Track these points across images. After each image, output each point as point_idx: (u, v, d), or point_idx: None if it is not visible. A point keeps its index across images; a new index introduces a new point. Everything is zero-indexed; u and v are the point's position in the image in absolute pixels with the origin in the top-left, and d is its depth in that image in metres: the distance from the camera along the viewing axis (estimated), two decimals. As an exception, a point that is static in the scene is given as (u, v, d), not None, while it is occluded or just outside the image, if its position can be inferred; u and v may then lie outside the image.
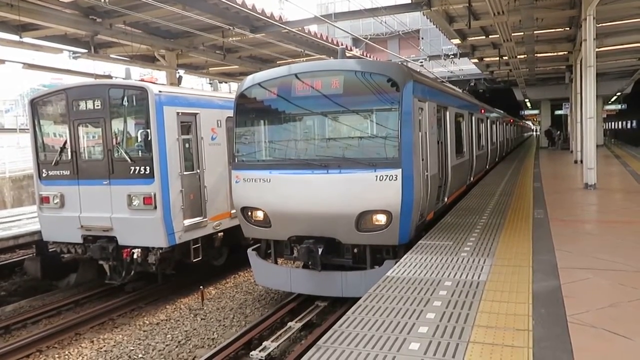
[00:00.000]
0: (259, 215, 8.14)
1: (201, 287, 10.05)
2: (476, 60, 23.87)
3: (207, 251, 10.19)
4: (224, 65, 19.66)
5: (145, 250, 9.11)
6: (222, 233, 10.50)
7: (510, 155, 28.94)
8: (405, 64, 14.95)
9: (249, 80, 8.41)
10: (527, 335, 4.07)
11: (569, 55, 21.88)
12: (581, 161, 15.97)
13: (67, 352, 7.90)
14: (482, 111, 16.99)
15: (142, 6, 11.65)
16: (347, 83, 7.59)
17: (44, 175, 9.92)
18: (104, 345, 8.06)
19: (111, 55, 16.12)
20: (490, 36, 18.27)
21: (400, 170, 7.15)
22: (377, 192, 7.21)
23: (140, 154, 9.12)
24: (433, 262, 6.39)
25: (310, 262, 7.79)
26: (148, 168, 8.93)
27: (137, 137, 9.21)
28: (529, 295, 5.02)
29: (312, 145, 8.04)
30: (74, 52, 14.48)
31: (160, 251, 9.04)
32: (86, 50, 14.37)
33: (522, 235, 7.70)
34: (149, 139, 8.89)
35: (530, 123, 71.54)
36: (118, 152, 9.19)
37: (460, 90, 16.83)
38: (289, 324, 7.93)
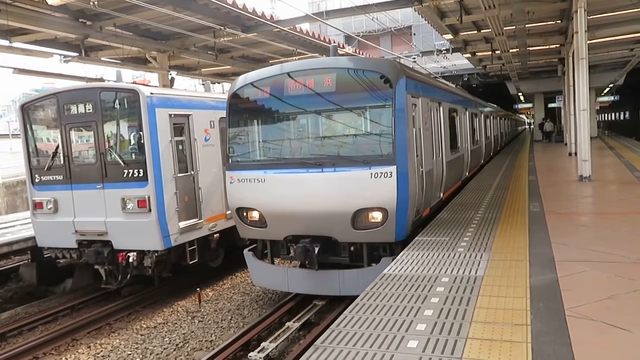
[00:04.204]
0: (255, 215, 8.10)
1: (198, 289, 10.02)
2: (469, 55, 23.85)
3: (203, 253, 10.14)
4: (217, 66, 19.59)
5: (141, 254, 9.05)
6: (217, 234, 10.45)
7: (505, 149, 28.98)
8: (397, 60, 14.92)
9: (241, 80, 8.36)
10: (526, 330, 4.05)
11: (561, 48, 21.91)
12: (575, 153, 16.00)
13: (64, 358, 7.86)
14: (476, 106, 16.99)
15: (132, 8, 11.56)
16: (340, 81, 7.55)
17: (36, 180, 9.84)
18: (101, 351, 8.02)
19: (102, 58, 16.03)
20: (482, 31, 18.27)
21: (395, 167, 7.12)
22: (373, 189, 7.19)
23: (133, 156, 9.06)
24: (430, 258, 6.38)
25: (307, 262, 7.77)
26: (141, 171, 8.87)
27: (129, 140, 9.15)
28: (526, 289, 5.01)
29: (306, 144, 8.00)
30: (65, 56, 14.36)
31: (156, 254, 9.00)
32: (77, 54, 14.26)
33: (518, 229, 7.69)
34: (142, 141, 8.83)
35: (524, 117, 71.68)
36: (111, 155, 9.13)
37: (454, 86, 16.84)
38: (287, 324, 7.91)
